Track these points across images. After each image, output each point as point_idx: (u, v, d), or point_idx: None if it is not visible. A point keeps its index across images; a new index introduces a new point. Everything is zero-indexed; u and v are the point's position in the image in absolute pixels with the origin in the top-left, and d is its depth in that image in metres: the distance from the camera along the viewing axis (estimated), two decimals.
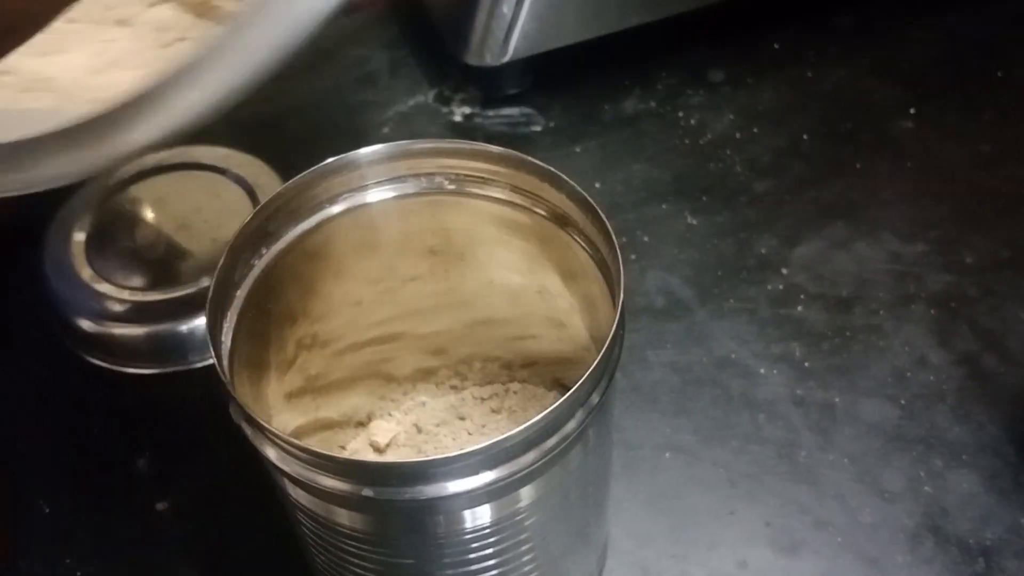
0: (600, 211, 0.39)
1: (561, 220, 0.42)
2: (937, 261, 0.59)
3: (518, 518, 0.38)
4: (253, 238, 0.41)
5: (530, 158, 0.41)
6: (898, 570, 0.48)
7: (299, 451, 0.35)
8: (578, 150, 0.66)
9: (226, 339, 0.39)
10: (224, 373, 0.37)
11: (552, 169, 0.41)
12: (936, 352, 0.55)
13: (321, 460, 0.35)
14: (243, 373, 0.40)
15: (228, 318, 0.39)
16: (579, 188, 0.40)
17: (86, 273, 0.57)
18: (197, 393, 0.55)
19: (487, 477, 0.34)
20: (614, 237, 0.38)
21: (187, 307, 0.55)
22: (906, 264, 0.59)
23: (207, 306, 0.38)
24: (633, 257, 0.60)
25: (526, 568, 0.40)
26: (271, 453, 0.36)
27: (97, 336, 0.56)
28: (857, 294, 0.58)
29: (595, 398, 0.36)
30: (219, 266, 0.39)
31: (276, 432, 0.35)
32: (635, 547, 0.49)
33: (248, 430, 0.37)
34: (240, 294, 0.40)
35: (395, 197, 0.43)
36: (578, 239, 0.42)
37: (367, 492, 0.34)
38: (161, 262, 0.57)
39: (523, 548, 0.39)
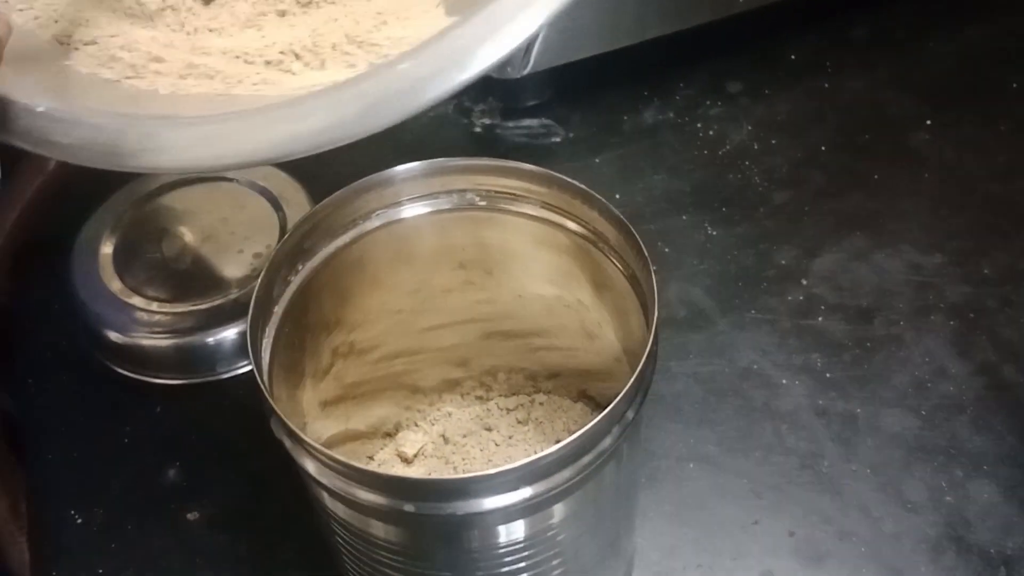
0: (633, 230, 0.39)
1: (592, 236, 0.42)
2: (956, 272, 0.60)
3: (551, 533, 0.38)
4: (290, 256, 0.41)
5: (561, 176, 0.42)
6: None
7: (339, 465, 0.36)
8: (598, 161, 0.67)
9: (265, 355, 0.39)
10: (266, 389, 0.37)
11: (584, 187, 0.41)
12: (956, 363, 0.56)
13: (362, 475, 0.35)
14: (280, 384, 0.41)
15: (267, 334, 0.40)
16: (612, 207, 0.40)
17: (115, 286, 0.57)
18: (225, 403, 0.56)
19: (524, 493, 0.35)
20: (647, 256, 0.39)
21: (215, 318, 0.56)
22: (925, 275, 0.60)
23: (247, 326, 0.38)
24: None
25: None
26: (310, 466, 0.37)
27: (126, 347, 0.57)
28: (877, 305, 0.58)
29: (630, 414, 0.37)
30: (258, 285, 0.39)
31: (317, 447, 0.36)
32: (661, 557, 0.49)
33: (288, 443, 0.37)
34: (278, 310, 0.41)
35: (429, 213, 0.44)
36: (609, 255, 0.42)
37: (408, 507, 0.35)
38: (188, 274, 0.58)
39: (555, 561, 0.40)
